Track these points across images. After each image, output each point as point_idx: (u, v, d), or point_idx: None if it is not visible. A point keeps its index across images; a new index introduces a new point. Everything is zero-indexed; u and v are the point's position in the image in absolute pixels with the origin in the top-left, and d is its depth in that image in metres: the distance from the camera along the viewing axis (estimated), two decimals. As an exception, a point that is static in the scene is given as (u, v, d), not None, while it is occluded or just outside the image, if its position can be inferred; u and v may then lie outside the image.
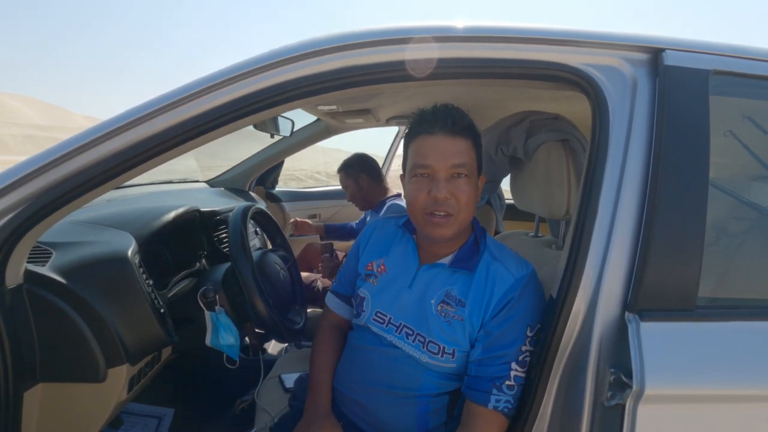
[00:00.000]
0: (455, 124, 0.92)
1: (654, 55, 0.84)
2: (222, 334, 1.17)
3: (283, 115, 2.17)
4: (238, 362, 1.24)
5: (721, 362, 0.75)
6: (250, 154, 2.63)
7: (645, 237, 0.77)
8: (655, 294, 0.76)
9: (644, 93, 0.83)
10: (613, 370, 0.75)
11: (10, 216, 0.80)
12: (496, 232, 2.07)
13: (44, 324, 0.92)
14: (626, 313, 0.77)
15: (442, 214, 0.91)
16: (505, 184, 2.05)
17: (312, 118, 2.37)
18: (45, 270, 0.94)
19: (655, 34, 0.86)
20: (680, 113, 0.80)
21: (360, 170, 2.24)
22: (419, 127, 0.94)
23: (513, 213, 2.47)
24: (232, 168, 2.60)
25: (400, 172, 1.03)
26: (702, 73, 0.82)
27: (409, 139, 0.97)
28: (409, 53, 0.83)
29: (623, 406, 0.73)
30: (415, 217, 0.96)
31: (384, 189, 2.28)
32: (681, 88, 0.81)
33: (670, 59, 0.82)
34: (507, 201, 2.30)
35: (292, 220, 2.54)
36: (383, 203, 2.20)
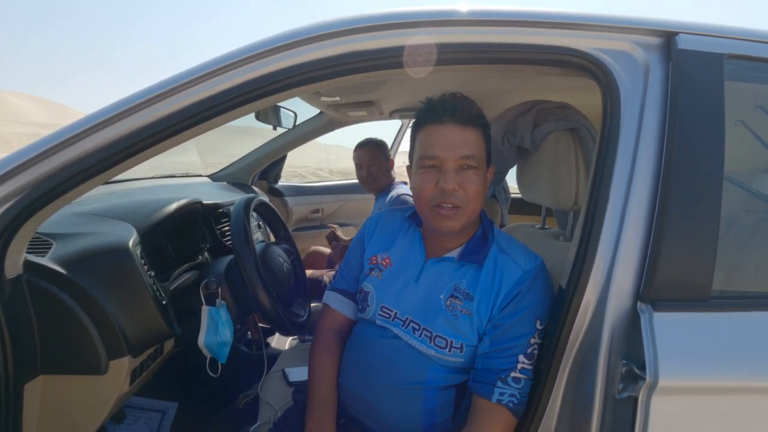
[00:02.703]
0: (464, 114, 0.89)
1: (667, 39, 0.82)
2: (220, 329, 1.15)
3: (286, 107, 2.15)
4: (220, 368, 1.20)
5: (737, 353, 0.74)
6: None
7: (658, 226, 0.76)
8: (668, 284, 0.75)
9: (657, 78, 0.81)
10: (624, 361, 0.74)
11: (8, 205, 0.78)
12: (501, 226, 2.05)
13: (45, 315, 0.91)
14: (638, 304, 0.75)
15: (450, 206, 0.88)
16: (510, 179, 2.04)
17: (314, 111, 2.35)
18: (45, 260, 0.93)
19: (667, 17, 0.84)
20: (694, 98, 0.78)
21: (386, 153, 2.28)
22: (427, 116, 0.91)
23: (518, 206, 2.45)
24: (234, 162, 2.58)
25: (403, 167, 1.01)
26: (716, 57, 0.80)
27: (416, 128, 0.95)
28: (412, 38, 0.81)
29: (635, 399, 0.71)
30: (421, 209, 0.94)
31: (393, 176, 2.32)
32: (695, 72, 0.79)
33: (683, 43, 0.80)
34: (512, 194, 2.29)
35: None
36: (391, 186, 2.21)
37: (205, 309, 1.16)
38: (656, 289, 0.74)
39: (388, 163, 2.26)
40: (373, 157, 2.22)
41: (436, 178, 0.89)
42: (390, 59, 0.82)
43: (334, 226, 2.45)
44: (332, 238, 2.33)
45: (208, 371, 1.20)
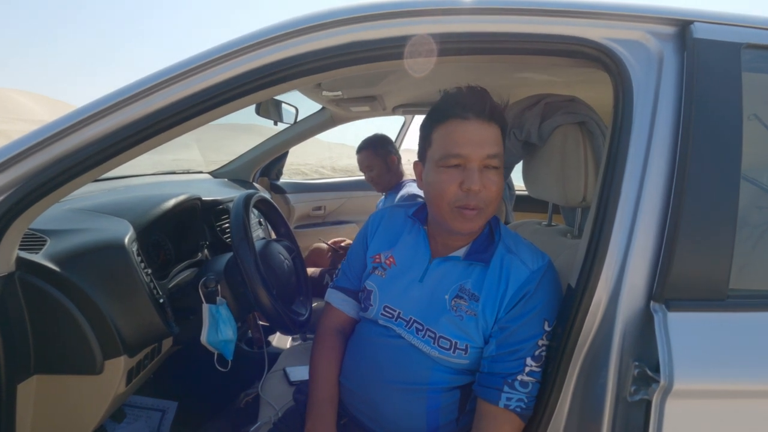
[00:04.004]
0: (492, 111, 0.85)
1: (681, 28, 0.79)
2: (221, 327, 1.13)
3: (287, 102, 2.13)
4: (229, 364, 1.18)
5: (756, 355, 0.71)
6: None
7: (672, 223, 0.73)
8: (683, 283, 0.72)
9: (671, 69, 0.78)
10: (637, 363, 0.71)
11: None
12: (506, 223, 2.02)
13: (38, 314, 0.89)
14: (652, 303, 0.72)
15: (473, 206, 0.84)
16: (513, 175, 2.00)
17: (316, 106, 2.32)
18: (38, 257, 0.91)
19: (682, 5, 0.81)
20: (710, 90, 0.75)
21: (390, 150, 2.19)
22: (449, 110, 0.86)
23: (523, 204, 2.42)
24: (235, 159, 2.56)
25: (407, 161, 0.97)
26: (733, 46, 0.77)
27: (435, 123, 0.89)
28: (416, 27, 0.79)
29: (648, 402, 0.68)
30: (440, 209, 0.88)
31: (402, 171, 2.24)
32: (711, 63, 0.75)
33: (698, 32, 0.77)
34: (517, 192, 2.25)
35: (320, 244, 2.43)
36: (400, 185, 2.16)
37: (205, 307, 1.13)
38: (670, 289, 0.71)
39: (390, 160, 2.18)
40: (370, 161, 2.18)
41: (459, 178, 0.84)
42: (393, 49, 0.79)
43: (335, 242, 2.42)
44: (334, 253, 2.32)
45: (217, 366, 1.18)
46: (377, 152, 2.17)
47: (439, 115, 0.88)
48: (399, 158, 2.22)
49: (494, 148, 0.85)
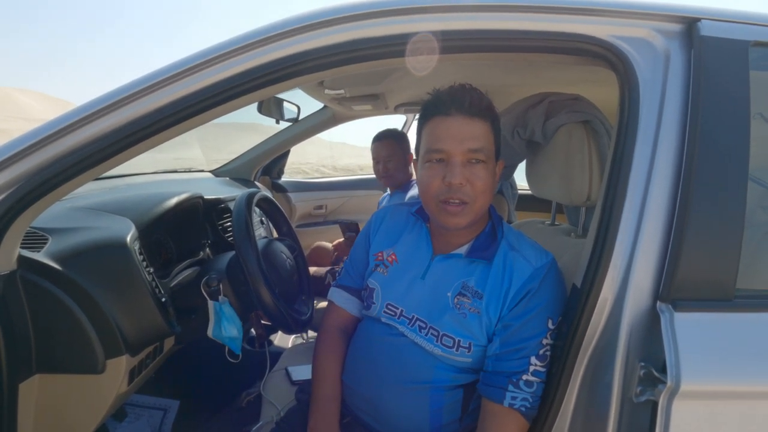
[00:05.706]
0: (473, 105, 0.86)
1: (688, 25, 0.78)
2: (225, 325, 1.13)
3: (289, 101, 2.12)
4: (240, 357, 1.19)
5: (764, 356, 0.70)
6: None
7: (679, 222, 0.72)
8: (690, 283, 0.71)
9: (678, 67, 0.77)
10: (643, 364, 0.70)
11: (0, 198, 0.75)
12: (508, 222, 2.01)
13: (40, 312, 0.89)
14: (658, 303, 0.72)
15: (457, 201, 0.85)
16: (515, 175, 1.99)
17: (318, 105, 2.31)
18: (40, 256, 0.91)
19: (689, 3, 0.80)
20: (717, 88, 0.74)
21: (408, 146, 2.12)
22: (434, 107, 0.89)
23: (525, 203, 2.41)
24: (237, 158, 2.56)
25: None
26: (741, 44, 0.76)
27: (423, 121, 0.92)
28: (420, 25, 0.78)
29: (655, 403, 0.68)
30: (428, 205, 0.91)
31: (411, 171, 2.18)
32: (718, 61, 0.75)
33: (705, 30, 0.76)
34: (519, 191, 2.25)
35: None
36: (409, 185, 2.11)
37: (210, 304, 1.14)
38: (677, 288, 0.71)
39: (407, 157, 2.11)
40: (391, 152, 2.09)
41: (442, 173, 0.86)
42: (396, 47, 0.79)
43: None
44: (351, 230, 2.26)
45: (228, 357, 1.19)
46: (400, 144, 2.10)
47: (426, 112, 0.91)
48: (411, 158, 2.18)
49: (477, 142, 0.85)
